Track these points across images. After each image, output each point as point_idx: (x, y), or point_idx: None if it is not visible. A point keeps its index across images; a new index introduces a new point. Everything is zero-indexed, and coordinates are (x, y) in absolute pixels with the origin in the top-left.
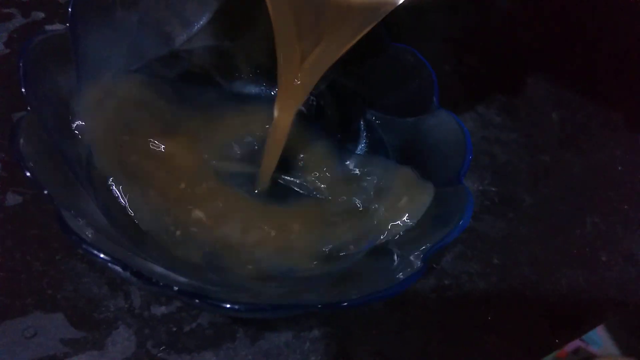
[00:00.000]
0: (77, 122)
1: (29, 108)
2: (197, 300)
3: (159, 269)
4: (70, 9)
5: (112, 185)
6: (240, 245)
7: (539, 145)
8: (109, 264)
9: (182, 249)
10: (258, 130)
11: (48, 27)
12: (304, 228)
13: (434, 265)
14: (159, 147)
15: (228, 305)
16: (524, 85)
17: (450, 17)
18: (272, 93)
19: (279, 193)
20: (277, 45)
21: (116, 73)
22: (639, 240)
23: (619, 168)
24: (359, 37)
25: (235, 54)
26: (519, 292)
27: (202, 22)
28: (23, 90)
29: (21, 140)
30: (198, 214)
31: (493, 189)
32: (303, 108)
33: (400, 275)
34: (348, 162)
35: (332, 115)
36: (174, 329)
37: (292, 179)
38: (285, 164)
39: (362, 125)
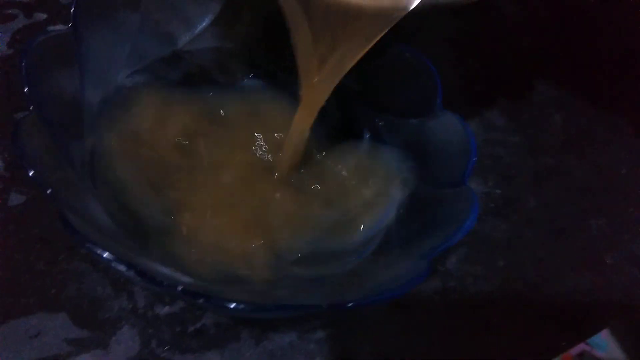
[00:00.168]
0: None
1: (31, 108)
2: (201, 300)
3: (163, 269)
4: (73, 9)
5: (118, 184)
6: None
7: (542, 147)
8: (112, 263)
9: (189, 250)
10: (269, 131)
11: (50, 28)
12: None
13: (438, 267)
14: (168, 146)
15: (232, 305)
16: (527, 88)
17: (453, 20)
18: (277, 92)
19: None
20: (295, 49)
21: (120, 74)
22: None
23: (623, 171)
24: (375, 41)
25: (238, 55)
26: (524, 294)
27: (205, 23)
28: (26, 89)
29: (23, 140)
30: (210, 217)
31: (497, 191)
32: None
33: (405, 277)
34: (349, 163)
35: (334, 117)
36: (178, 329)
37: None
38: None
39: (364, 127)
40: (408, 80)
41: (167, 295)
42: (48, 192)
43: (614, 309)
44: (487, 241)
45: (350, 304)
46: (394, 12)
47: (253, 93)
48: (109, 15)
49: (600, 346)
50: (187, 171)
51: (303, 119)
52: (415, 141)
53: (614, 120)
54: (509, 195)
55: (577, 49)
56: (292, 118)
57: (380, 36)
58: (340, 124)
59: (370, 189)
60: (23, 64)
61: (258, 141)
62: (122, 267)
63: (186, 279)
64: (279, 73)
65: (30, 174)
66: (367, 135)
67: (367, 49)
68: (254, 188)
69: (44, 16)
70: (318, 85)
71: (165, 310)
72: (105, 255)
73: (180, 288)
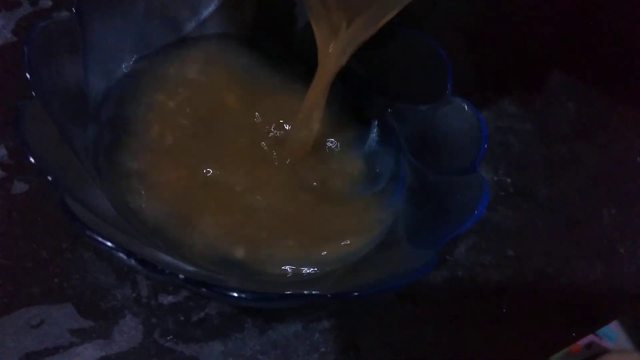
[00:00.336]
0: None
1: (33, 94)
2: (203, 289)
3: (166, 258)
4: None
5: (123, 173)
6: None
7: (554, 135)
8: (113, 252)
9: (193, 239)
10: (277, 117)
11: (55, 15)
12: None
13: (447, 257)
14: (173, 134)
15: (235, 294)
16: (539, 75)
17: (464, 6)
18: (285, 78)
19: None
20: (310, 18)
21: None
22: None
23: (638, 159)
24: (391, 14)
25: (245, 41)
26: (534, 284)
27: (211, 8)
28: (27, 75)
29: (25, 127)
30: (215, 205)
31: (508, 180)
32: None
33: (412, 266)
34: (358, 151)
35: (343, 104)
36: (182, 319)
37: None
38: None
39: (374, 114)
40: (418, 66)
41: (171, 284)
42: (49, 178)
43: (626, 300)
44: (497, 230)
45: (355, 294)
46: None
47: (260, 78)
48: (113, 1)
49: (608, 337)
50: (194, 158)
51: (318, 87)
52: (425, 128)
53: (628, 108)
54: (520, 184)
55: (592, 36)
56: (301, 103)
57: (396, 10)
58: (349, 111)
59: (378, 177)
60: (25, 50)
61: (267, 127)
62: (122, 256)
63: (190, 268)
64: (287, 58)
65: (32, 160)
66: (376, 122)
67: (383, 22)
68: (262, 176)
69: (49, 3)
70: (333, 53)
71: (169, 299)
72: (105, 243)
73: (182, 276)
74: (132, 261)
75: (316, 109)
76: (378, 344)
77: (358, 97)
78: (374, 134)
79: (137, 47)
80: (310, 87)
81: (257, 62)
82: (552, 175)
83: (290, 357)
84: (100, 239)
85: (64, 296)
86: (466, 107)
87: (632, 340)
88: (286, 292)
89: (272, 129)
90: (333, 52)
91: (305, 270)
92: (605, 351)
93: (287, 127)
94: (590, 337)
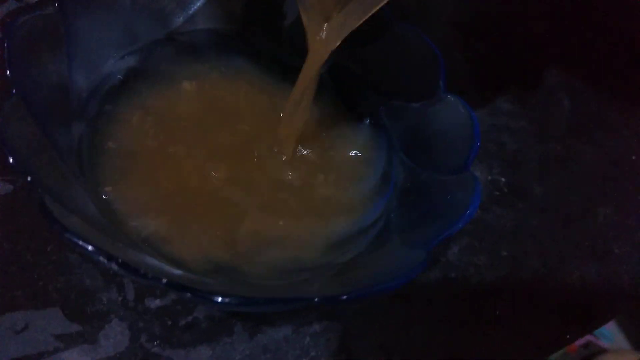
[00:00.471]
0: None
1: (14, 92)
2: (188, 294)
3: (151, 261)
4: None
5: (108, 172)
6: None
7: (549, 133)
8: (93, 255)
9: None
10: (266, 112)
11: (39, 10)
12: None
13: (440, 258)
14: (159, 132)
15: (220, 299)
16: (535, 72)
17: (460, 3)
18: (274, 74)
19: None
20: (299, 5)
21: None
22: None
23: (633, 157)
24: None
25: (233, 36)
26: (528, 285)
27: (200, 3)
28: (8, 72)
29: (5, 125)
30: (203, 206)
31: (502, 179)
32: None
33: (403, 268)
34: (349, 148)
35: (334, 101)
36: (169, 323)
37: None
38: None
39: (365, 111)
40: (410, 62)
41: (157, 288)
42: (29, 179)
43: (621, 300)
44: (491, 230)
45: (344, 297)
46: None
47: (249, 75)
48: None
49: (605, 336)
50: (181, 157)
51: (308, 72)
52: (418, 126)
53: (624, 106)
54: (514, 183)
55: (588, 32)
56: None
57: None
58: (341, 108)
59: (370, 176)
60: (5, 44)
61: (256, 125)
62: (102, 259)
63: (176, 271)
64: (276, 53)
65: (11, 160)
66: (368, 120)
67: (370, 13)
68: (251, 177)
69: None
70: (324, 38)
71: (156, 303)
72: (85, 246)
73: (164, 281)
74: (113, 264)
75: (305, 95)
76: (370, 346)
77: (350, 94)
78: (366, 132)
79: (124, 43)
80: (301, 72)
81: (247, 58)
82: (547, 173)
83: None
84: (80, 242)
85: (49, 300)
86: (459, 104)
87: (629, 340)
88: (272, 297)
89: (262, 128)
90: (324, 37)
91: (295, 272)
92: (602, 351)
93: (276, 124)
94: (587, 337)
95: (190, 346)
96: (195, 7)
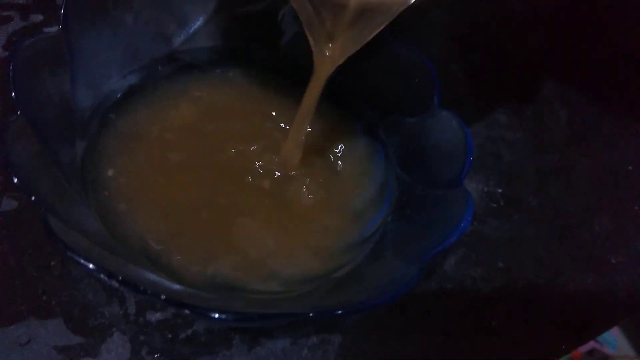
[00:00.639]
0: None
1: (19, 112)
2: (186, 310)
3: (151, 276)
4: (63, 10)
5: (111, 189)
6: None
7: (546, 144)
8: (94, 272)
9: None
10: (268, 127)
11: (47, 30)
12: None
13: (436, 269)
14: (163, 148)
15: (217, 315)
16: (531, 84)
17: (456, 15)
18: (276, 89)
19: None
20: (304, 25)
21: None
22: None
23: (629, 167)
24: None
25: (234, 54)
26: (525, 296)
27: (200, 22)
28: (13, 94)
29: (10, 145)
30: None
31: (498, 190)
32: None
33: (398, 282)
34: (345, 163)
35: (330, 116)
36: (169, 336)
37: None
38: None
39: (361, 126)
40: (405, 77)
41: (157, 302)
42: (32, 199)
43: (618, 310)
44: (487, 242)
45: (339, 312)
46: (392, 6)
47: (250, 91)
48: (100, 16)
49: (610, 343)
50: (182, 174)
51: (314, 90)
52: (413, 140)
53: (620, 117)
54: (510, 195)
55: (583, 44)
56: (292, 115)
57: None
58: (337, 122)
59: (367, 190)
60: (10, 66)
61: (257, 144)
62: (103, 276)
63: (176, 287)
64: (275, 71)
65: (15, 180)
66: (365, 134)
67: (378, 30)
68: (250, 193)
69: (40, 18)
70: (330, 57)
71: (156, 316)
72: (87, 264)
73: (163, 297)
74: (114, 282)
75: (310, 112)
76: (368, 357)
77: (346, 108)
78: (363, 146)
79: (126, 62)
80: (307, 89)
81: (246, 74)
82: (544, 184)
83: None
84: (81, 260)
85: (52, 314)
86: (453, 120)
87: (634, 347)
88: (268, 312)
89: (264, 142)
90: (331, 55)
91: (292, 286)
92: (606, 357)
93: (279, 138)
94: (591, 344)
95: (190, 359)
96: (195, 26)
